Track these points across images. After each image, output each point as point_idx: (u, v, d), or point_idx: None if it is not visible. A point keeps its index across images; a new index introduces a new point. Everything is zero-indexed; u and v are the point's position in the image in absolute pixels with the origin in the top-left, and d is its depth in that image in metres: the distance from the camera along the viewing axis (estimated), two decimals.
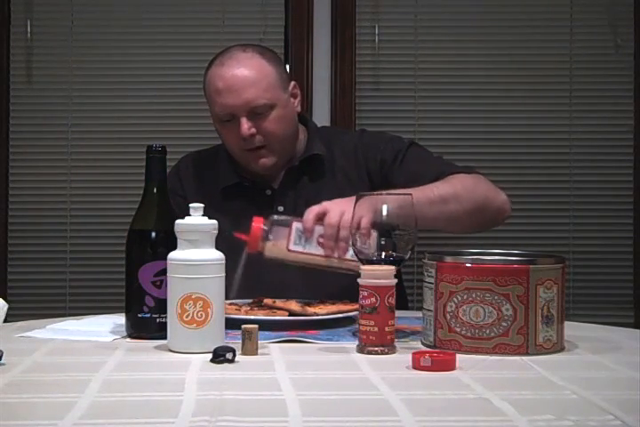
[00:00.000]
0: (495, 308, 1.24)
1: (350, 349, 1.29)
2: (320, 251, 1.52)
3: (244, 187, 1.93)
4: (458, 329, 1.26)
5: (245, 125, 1.84)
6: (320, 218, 1.52)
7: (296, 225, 1.53)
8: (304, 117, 2.04)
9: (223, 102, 1.86)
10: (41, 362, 1.21)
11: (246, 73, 1.85)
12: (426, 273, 1.32)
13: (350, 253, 1.47)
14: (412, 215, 1.37)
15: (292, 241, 1.52)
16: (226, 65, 1.87)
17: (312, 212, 1.54)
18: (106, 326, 1.48)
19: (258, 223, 1.55)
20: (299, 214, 1.61)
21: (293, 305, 1.53)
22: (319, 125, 2.09)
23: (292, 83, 1.96)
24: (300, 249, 1.53)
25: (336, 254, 1.52)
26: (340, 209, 1.50)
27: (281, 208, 1.91)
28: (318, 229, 1.52)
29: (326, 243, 1.51)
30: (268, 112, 1.86)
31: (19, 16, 2.93)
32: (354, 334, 1.37)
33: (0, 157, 2.91)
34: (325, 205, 1.51)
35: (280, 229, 1.54)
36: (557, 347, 1.29)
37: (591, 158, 2.96)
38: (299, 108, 1.97)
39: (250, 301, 1.61)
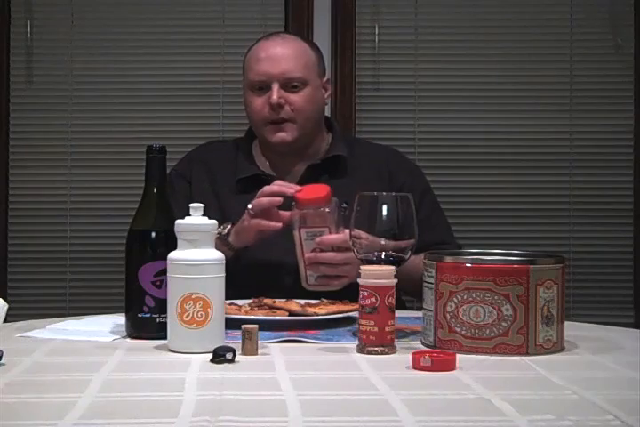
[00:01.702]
0: (495, 308, 1.24)
1: (350, 349, 1.29)
2: (306, 251, 1.65)
3: (261, 180, 1.93)
4: (458, 329, 1.26)
5: (276, 94, 1.90)
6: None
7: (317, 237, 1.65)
8: (330, 121, 2.09)
9: (260, 69, 1.92)
10: (41, 362, 1.21)
11: (288, 48, 1.95)
12: (426, 273, 1.32)
13: (314, 277, 1.65)
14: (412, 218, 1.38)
15: (304, 234, 1.66)
16: (271, 40, 1.98)
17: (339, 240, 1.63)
18: (106, 326, 1.48)
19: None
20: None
21: (293, 305, 1.53)
22: None
23: (327, 77, 2.04)
24: (299, 237, 1.66)
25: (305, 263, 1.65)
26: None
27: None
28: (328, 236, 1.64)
29: (315, 256, 1.64)
30: (301, 88, 1.92)
31: (19, 16, 2.93)
32: (354, 334, 1.37)
33: (0, 157, 2.91)
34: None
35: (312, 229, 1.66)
36: (557, 347, 1.29)
37: (591, 158, 2.96)
38: (327, 102, 2.04)
39: (250, 301, 1.61)
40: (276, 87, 1.90)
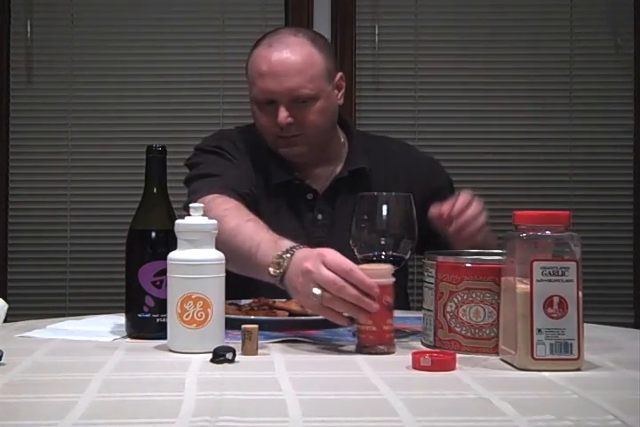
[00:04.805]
0: (495, 308, 1.24)
1: (350, 349, 1.29)
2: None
3: (289, 186, 1.84)
4: (458, 329, 1.26)
5: (284, 114, 1.75)
6: None
7: None
8: (344, 120, 1.94)
9: (264, 86, 1.76)
10: (41, 362, 1.21)
11: (293, 59, 1.75)
12: (426, 273, 1.32)
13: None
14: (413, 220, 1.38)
15: None
16: (273, 47, 1.77)
17: None
18: (106, 326, 1.48)
19: None
20: (337, 226, 1.74)
21: (293, 305, 1.52)
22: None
23: (339, 74, 1.85)
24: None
25: None
26: None
27: (320, 216, 1.83)
28: None
29: None
30: (310, 103, 1.77)
31: (19, 16, 2.94)
32: (354, 334, 1.37)
33: (0, 157, 2.92)
34: None
35: None
36: None
37: (591, 158, 2.96)
38: (341, 101, 1.88)
39: (250, 301, 1.61)
40: (282, 108, 1.74)
